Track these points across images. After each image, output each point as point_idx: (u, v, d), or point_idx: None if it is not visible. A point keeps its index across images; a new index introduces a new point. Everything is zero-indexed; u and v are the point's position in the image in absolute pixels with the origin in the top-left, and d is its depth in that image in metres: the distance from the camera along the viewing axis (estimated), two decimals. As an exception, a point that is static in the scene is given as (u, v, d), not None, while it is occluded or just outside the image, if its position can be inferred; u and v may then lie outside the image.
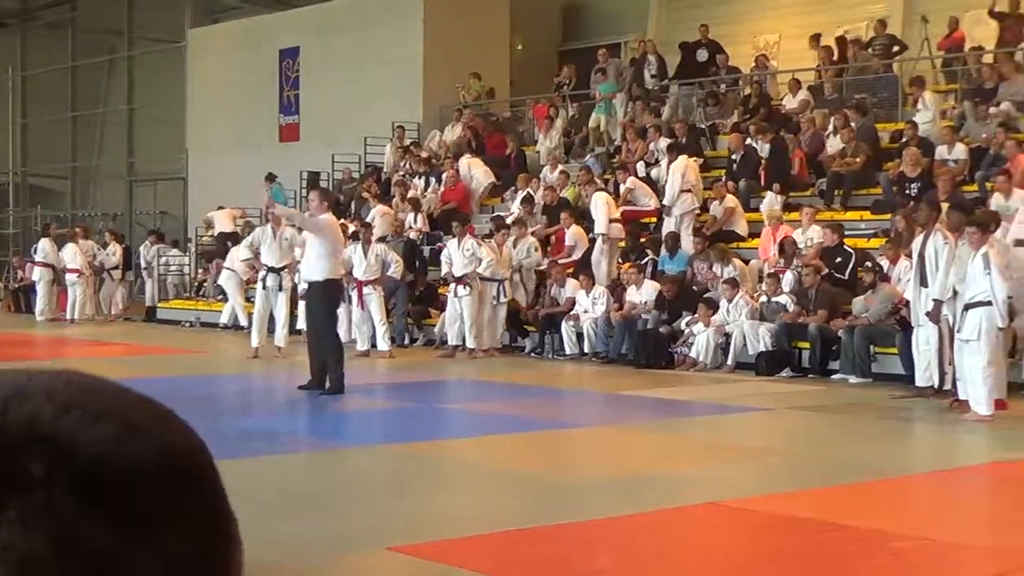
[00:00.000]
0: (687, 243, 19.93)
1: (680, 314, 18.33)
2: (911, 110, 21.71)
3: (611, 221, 20.71)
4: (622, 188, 21.82)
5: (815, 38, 25.19)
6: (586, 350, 19.29)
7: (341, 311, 18.46)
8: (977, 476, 10.26)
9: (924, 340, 14.32)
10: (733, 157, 21.86)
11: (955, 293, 13.50)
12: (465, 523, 8.02)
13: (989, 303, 12.62)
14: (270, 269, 19.18)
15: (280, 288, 19.11)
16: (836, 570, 7.07)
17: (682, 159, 20.85)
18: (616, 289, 19.63)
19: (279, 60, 31.95)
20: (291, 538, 7.48)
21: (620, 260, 20.78)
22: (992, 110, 20.07)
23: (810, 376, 16.67)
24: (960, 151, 19.23)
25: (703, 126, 24.47)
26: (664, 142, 22.65)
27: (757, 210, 20.76)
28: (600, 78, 26.35)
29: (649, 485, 9.27)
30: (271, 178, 26.27)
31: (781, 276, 17.99)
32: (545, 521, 7.98)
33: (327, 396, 14.01)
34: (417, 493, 9.17)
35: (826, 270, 17.57)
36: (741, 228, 20.46)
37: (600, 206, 20.74)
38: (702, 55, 26.24)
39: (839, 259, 17.74)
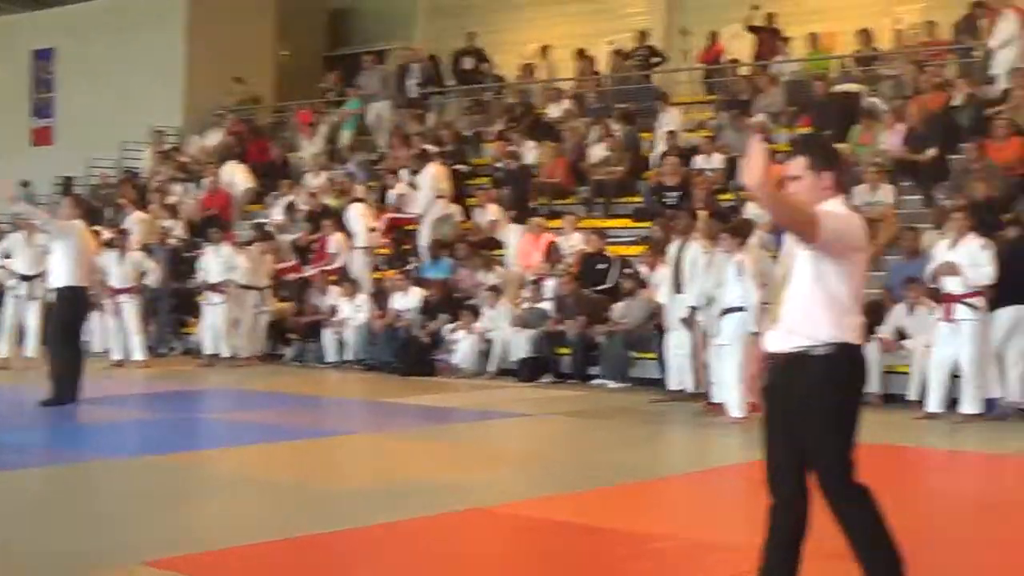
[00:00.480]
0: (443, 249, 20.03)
1: (444, 320, 18.30)
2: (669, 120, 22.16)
3: (370, 231, 20.64)
4: (392, 194, 21.73)
5: (543, 49, 25.68)
6: (349, 358, 19.14)
7: (96, 320, 17.99)
8: (732, 476, 10.45)
9: (677, 344, 14.61)
10: (497, 165, 21.96)
11: (711, 300, 13.78)
12: (225, 535, 7.81)
13: (743, 309, 12.90)
14: (22, 277, 18.54)
15: (32, 297, 18.46)
16: (600, 573, 7.08)
17: (431, 167, 20.94)
18: (380, 296, 19.52)
19: (32, 61, 30.93)
20: (41, 555, 7.20)
21: (385, 267, 20.67)
22: (748, 121, 20.58)
23: (570, 381, 16.84)
24: (717, 161, 19.67)
25: (468, 134, 24.53)
26: (430, 149, 22.64)
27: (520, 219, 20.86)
28: (351, 92, 26.35)
29: (412, 492, 9.19)
30: (23, 184, 25.36)
31: (543, 283, 18.14)
32: (308, 530, 7.84)
33: (66, 406, 13.59)
34: (175, 506, 8.91)
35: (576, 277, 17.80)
36: (504, 235, 20.54)
37: (356, 219, 20.67)
38: (468, 63, 26.35)
39: (600, 266, 17.94)
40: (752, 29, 23.75)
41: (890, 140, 18.42)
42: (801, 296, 5.51)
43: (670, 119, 21.63)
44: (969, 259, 13.07)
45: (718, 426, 12.89)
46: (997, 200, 16.14)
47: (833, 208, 5.52)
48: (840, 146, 17.47)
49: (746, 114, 20.91)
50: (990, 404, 13.51)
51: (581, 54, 25.34)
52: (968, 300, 13.14)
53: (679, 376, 14.73)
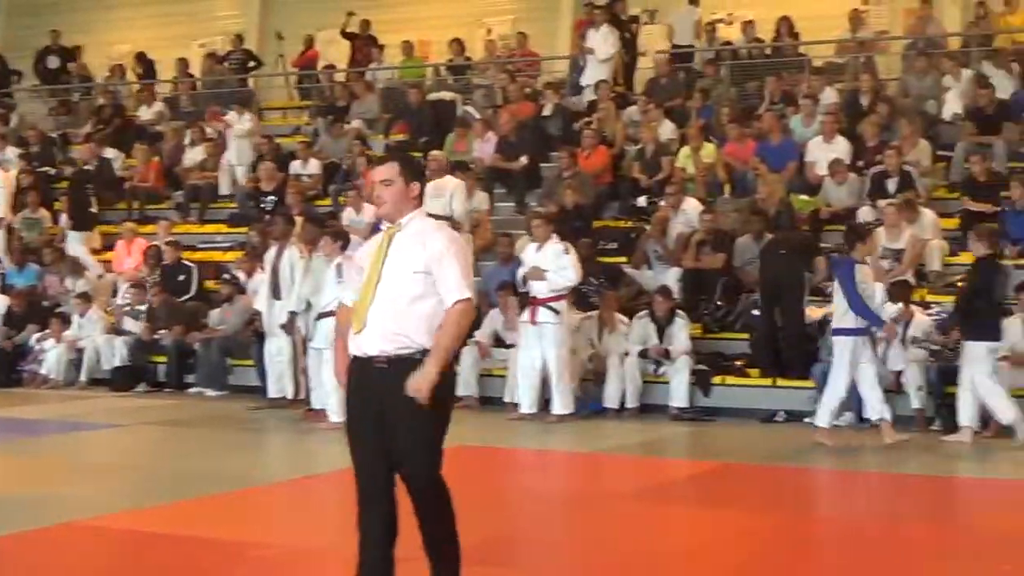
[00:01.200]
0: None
1: (31, 330, 17.56)
2: (267, 124, 22.05)
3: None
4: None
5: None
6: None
7: None
8: (332, 483, 10.41)
9: (276, 351, 14.46)
10: (86, 168, 21.22)
11: (309, 305, 13.73)
12: None
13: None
14: None
15: None
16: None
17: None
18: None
19: None
20: None
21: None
22: (345, 127, 20.64)
23: (167, 390, 16.45)
24: (314, 166, 19.63)
25: (55, 135, 23.63)
26: (12, 151, 21.73)
27: (112, 222, 20.30)
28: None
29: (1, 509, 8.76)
30: None
31: (146, 285, 17.65)
32: None
33: None
34: None
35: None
36: (96, 241, 19.91)
37: None
38: (53, 62, 25.44)
39: (181, 276, 17.62)
40: (347, 35, 23.83)
41: (483, 148, 18.82)
42: (401, 304, 5.63)
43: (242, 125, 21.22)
44: (552, 263, 13.51)
45: (318, 432, 12.84)
46: (587, 207, 16.75)
47: (425, 227, 5.79)
48: (436, 153, 17.76)
49: (342, 120, 20.96)
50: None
51: (141, 58, 24.97)
52: (550, 303, 13.56)
53: (279, 383, 14.58)
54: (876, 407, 11.81)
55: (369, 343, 5.65)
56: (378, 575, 5.69)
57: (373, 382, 5.63)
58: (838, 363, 11.85)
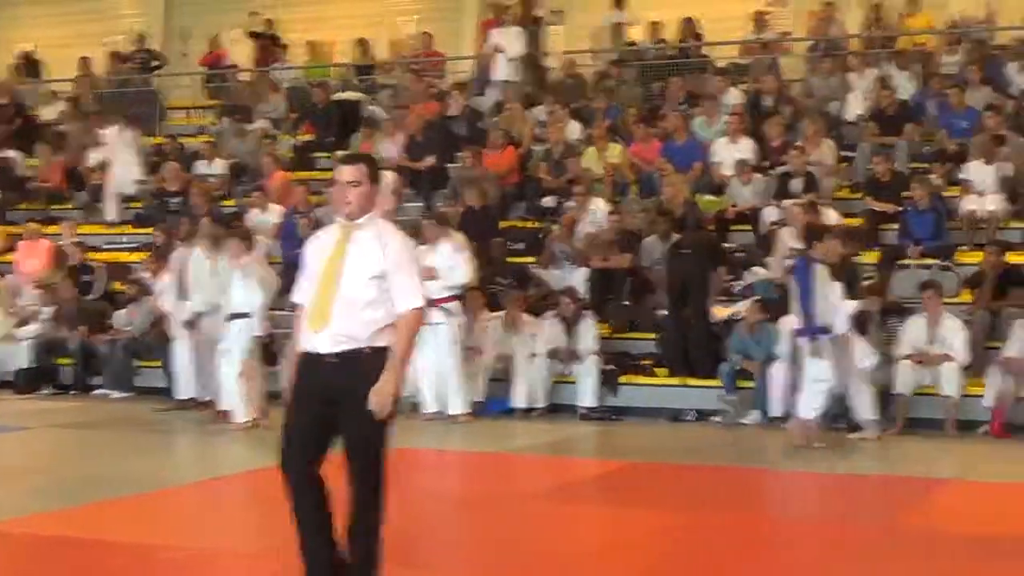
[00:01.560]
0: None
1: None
2: (171, 123, 21.86)
3: None
4: None
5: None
6: None
7: None
8: (240, 484, 10.38)
9: (183, 352, 14.35)
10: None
11: (215, 305, 13.63)
12: None
13: (248, 314, 12.87)
14: None
15: None
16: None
17: None
18: None
19: None
20: None
21: None
22: (250, 127, 20.51)
23: (72, 392, 16.26)
24: (219, 167, 19.48)
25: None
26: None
27: (15, 222, 20.04)
28: None
29: None
30: None
31: (46, 291, 17.41)
32: None
33: None
34: None
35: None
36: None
37: None
38: (-48, 61, 25.06)
39: (86, 276, 17.45)
40: (252, 35, 23.69)
41: (390, 148, 18.76)
42: (355, 308, 5.75)
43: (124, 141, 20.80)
44: (445, 262, 13.56)
45: (226, 433, 12.77)
46: (492, 208, 16.78)
47: (386, 232, 5.93)
48: (343, 154, 17.74)
49: (247, 120, 20.83)
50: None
51: (27, 58, 24.82)
52: (443, 304, 13.57)
53: (187, 384, 14.45)
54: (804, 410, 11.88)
55: (323, 342, 5.77)
56: (324, 558, 5.78)
57: (323, 375, 5.74)
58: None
